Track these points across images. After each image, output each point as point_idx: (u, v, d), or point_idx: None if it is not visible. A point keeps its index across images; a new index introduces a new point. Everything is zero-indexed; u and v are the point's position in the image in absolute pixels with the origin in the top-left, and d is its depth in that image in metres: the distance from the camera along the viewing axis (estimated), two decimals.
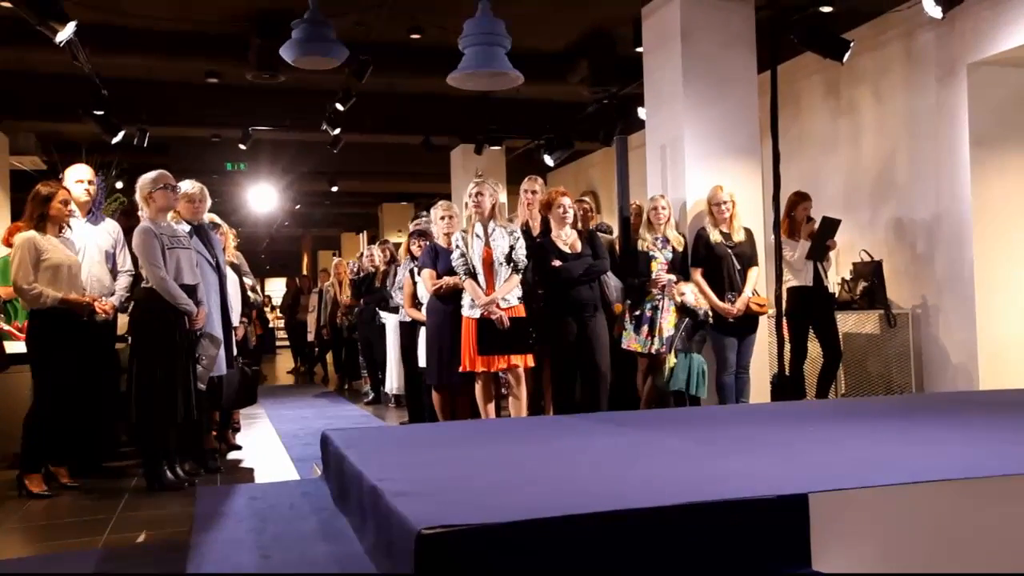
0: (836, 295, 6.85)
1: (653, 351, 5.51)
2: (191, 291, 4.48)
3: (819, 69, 7.25)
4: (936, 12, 5.30)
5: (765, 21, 6.24)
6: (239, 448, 5.83)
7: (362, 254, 9.90)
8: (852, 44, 6.15)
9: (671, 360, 5.41)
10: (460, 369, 5.25)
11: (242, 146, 9.98)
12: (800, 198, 6.41)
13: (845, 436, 3.29)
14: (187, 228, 4.83)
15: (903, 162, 6.97)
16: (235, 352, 5.23)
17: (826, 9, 5.76)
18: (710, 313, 5.51)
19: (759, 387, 5.96)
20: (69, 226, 4.61)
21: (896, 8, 6.54)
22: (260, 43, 7.19)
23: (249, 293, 6.01)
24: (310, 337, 12.23)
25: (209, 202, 5.08)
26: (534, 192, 5.74)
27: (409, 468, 2.86)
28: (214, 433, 5.47)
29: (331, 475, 3.35)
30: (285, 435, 6.50)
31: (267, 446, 6.07)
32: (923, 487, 2.34)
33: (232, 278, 5.34)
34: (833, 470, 2.54)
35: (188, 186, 4.91)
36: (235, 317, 5.23)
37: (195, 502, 3.19)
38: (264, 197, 13.66)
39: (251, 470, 5.20)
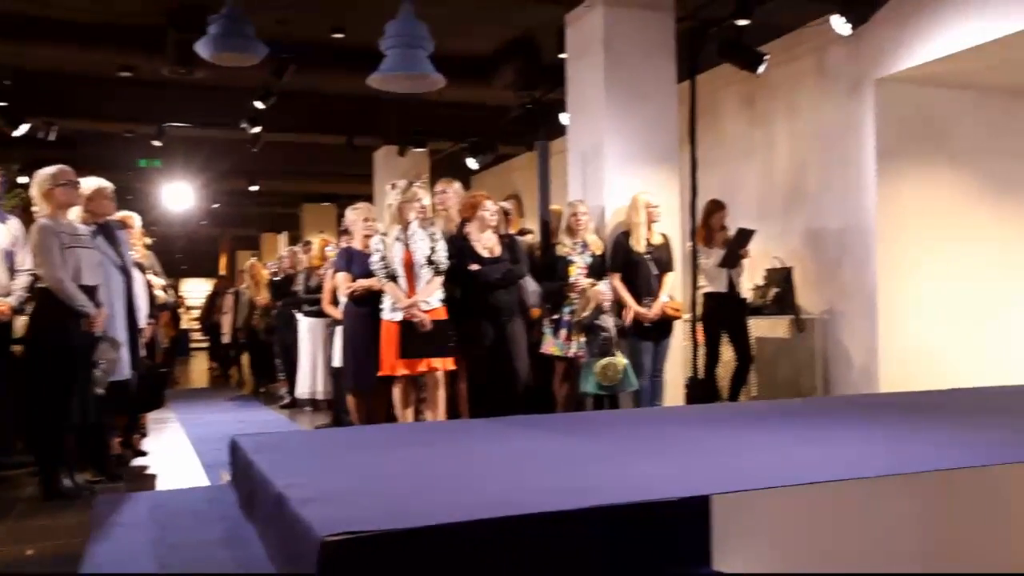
0: (749, 301, 7.03)
1: (571, 355, 5.56)
2: (91, 292, 4.31)
3: (736, 80, 7.44)
4: (844, 29, 5.51)
5: (685, 32, 6.39)
6: (145, 454, 5.63)
7: (282, 256, 9.72)
8: (767, 57, 6.36)
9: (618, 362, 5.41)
10: (380, 373, 5.20)
11: (156, 142, 9.69)
12: (716, 207, 6.57)
13: (750, 438, 3.37)
14: (91, 226, 4.64)
15: (814, 173, 7.21)
16: (142, 354, 5.05)
17: (742, 22, 5.92)
18: (614, 322, 5.54)
19: (674, 390, 6.08)
20: None
21: (809, 24, 6.75)
22: (177, 37, 6.98)
23: (159, 293, 5.82)
24: (225, 339, 11.93)
25: (114, 200, 4.89)
26: (444, 192, 5.71)
27: (318, 474, 2.82)
28: (119, 439, 5.27)
29: (239, 481, 3.26)
30: (196, 440, 6.32)
31: (176, 452, 5.88)
32: (821, 487, 2.42)
33: (139, 278, 5.16)
34: (736, 472, 2.60)
35: (92, 183, 4.72)
36: (142, 319, 5.05)
37: (92, 511, 3.07)
38: (180, 195, 13.27)
39: (157, 477, 5.03)
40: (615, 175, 6.08)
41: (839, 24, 5.48)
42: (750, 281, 7.18)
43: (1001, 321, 6.94)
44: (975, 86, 6.77)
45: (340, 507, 2.19)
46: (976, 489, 2.60)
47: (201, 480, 4.78)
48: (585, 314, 5.45)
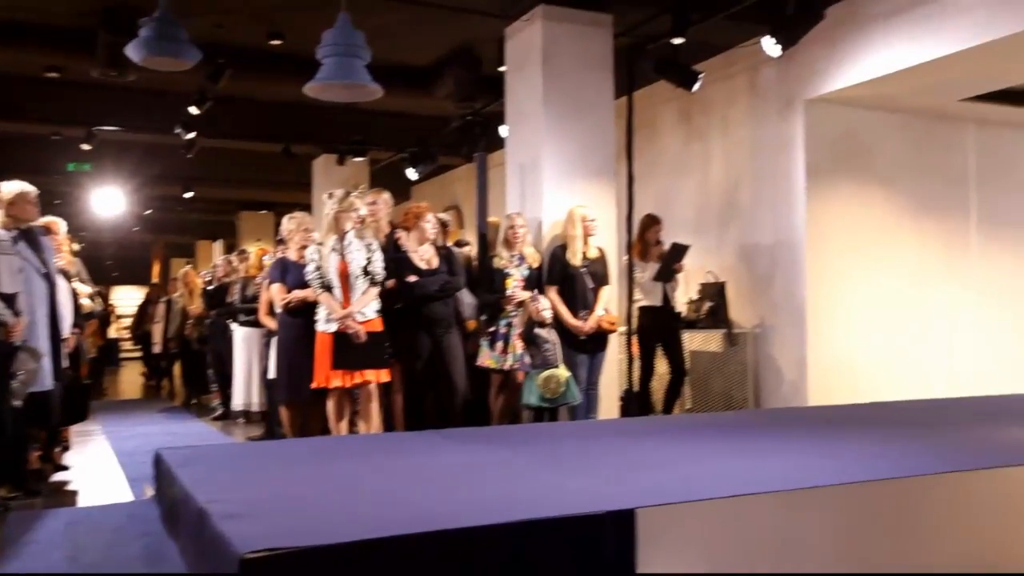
0: (683, 314, 7.14)
1: (507, 367, 5.56)
2: (10, 300, 4.15)
3: (673, 96, 7.57)
4: (775, 51, 5.65)
5: (623, 48, 6.48)
6: (66, 469, 5.44)
7: (216, 264, 9.54)
8: (701, 75, 6.49)
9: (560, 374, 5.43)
10: (313, 385, 5.13)
11: (86, 146, 9.41)
12: (652, 221, 6.66)
13: (680, 451, 3.42)
14: (13, 232, 4.48)
15: (747, 189, 7.38)
16: (64, 365, 4.89)
17: (678, 41, 6.02)
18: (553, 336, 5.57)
19: (609, 403, 6.13)
20: None
21: (742, 44, 6.92)
22: (107, 39, 6.80)
23: (85, 301, 5.65)
24: (156, 349, 11.63)
25: (37, 204, 4.72)
26: (374, 204, 5.66)
27: (243, 488, 2.76)
28: (38, 453, 5.08)
29: (162, 496, 3.18)
30: (122, 453, 6.14)
31: (100, 466, 5.70)
32: (744, 499, 2.47)
33: (64, 286, 5.00)
34: (663, 485, 2.64)
35: (14, 187, 4.56)
36: (65, 328, 4.89)
37: (4, 529, 2.95)
38: (110, 200, 12.88)
39: (77, 493, 4.86)
40: (553, 188, 6.12)
41: (769, 46, 5.62)
42: (685, 295, 7.30)
43: (922, 334, 7.20)
44: (899, 108, 7.03)
45: (263, 523, 2.15)
46: (892, 500, 2.68)
47: (124, 495, 4.64)
48: (521, 328, 5.47)
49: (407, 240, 5.47)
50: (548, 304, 5.54)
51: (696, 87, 6.44)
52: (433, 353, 5.34)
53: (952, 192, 7.45)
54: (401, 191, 12.47)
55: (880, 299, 7.02)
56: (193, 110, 7.84)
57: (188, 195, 13.13)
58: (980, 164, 7.55)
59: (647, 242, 6.59)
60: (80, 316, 5.45)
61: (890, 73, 6.07)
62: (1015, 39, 5.36)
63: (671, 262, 6.45)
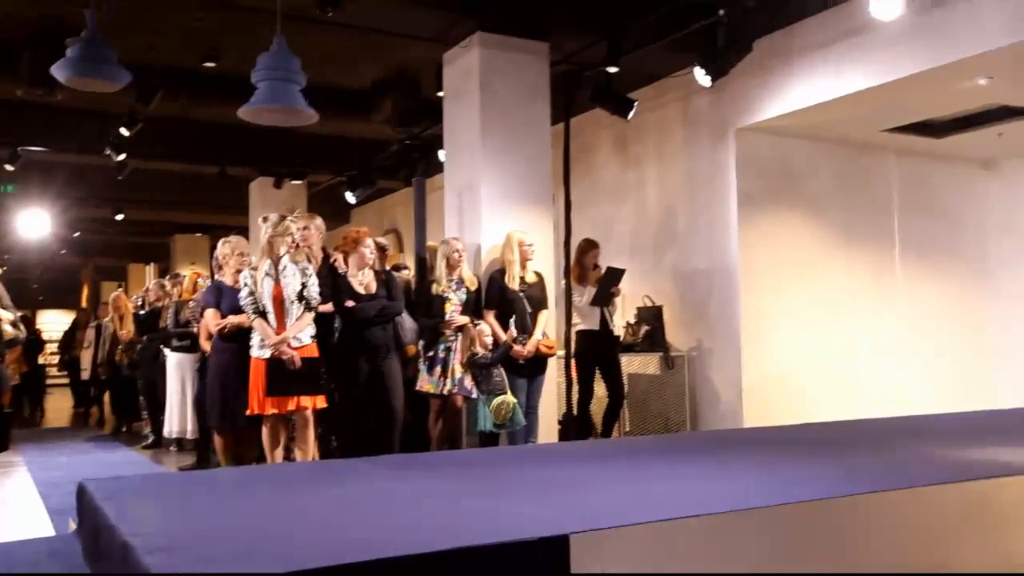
0: (621, 338, 7.23)
1: (445, 392, 5.55)
2: None
3: (610, 124, 7.71)
4: (705, 81, 5.81)
5: (559, 76, 6.57)
6: None
7: (148, 288, 9.31)
8: (636, 103, 6.62)
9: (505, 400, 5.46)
10: (248, 412, 5.03)
11: (9, 166, 9.12)
12: (589, 245, 6.74)
13: (616, 475, 3.45)
14: None
15: (682, 215, 7.53)
16: None
17: (612, 69, 6.14)
18: (509, 344, 5.62)
19: (548, 426, 6.15)
20: None
21: (676, 73, 7.10)
22: (34, 57, 6.63)
23: (7, 328, 5.45)
24: (85, 375, 11.28)
25: None
26: (306, 228, 5.62)
27: (171, 520, 2.69)
28: None
29: (85, 530, 3.07)
30: (44, 485, 5.91)
31: (20, 498, 5.48)
32: (678, 523, 2.50)
33: None
34: (597, 510, 2.65)
35: None
36: None
37: None
38: (36, 222, 12.50)
39: None
40: (490, 213, 6.16)
41: (700, 76, 5.78)
42: (622, 319, 7.39)
43: (851, 357, 7.42)
44: (826, 138, 7.28)
45: (189, 556, 2.10)
46: (823, 520, 2.74)
47: (45, 529, 4.46)
48: (478, 351, 5.50)
49: (344, 265, 5.43)
50: (490, 331, 5.58)
51: (631, 115, 6.57)
52: (371, 378, 5.30)
53: (877, 220, 7.73)
54: (340, 214, 12.40)
55: (811, 323, 7.22)
56: (124, 131, 7.67)
57: (119, 217, 12.83)
58: (902, 193, 7.86)
59: (585, 266, 6.67)
60: (2, 343, 5.27)
61: (816, 104, 6.30)
62: (930, 74, 5.62)
63: (607, 286, 6.53)
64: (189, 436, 7.24)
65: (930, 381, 7.75)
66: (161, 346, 7.55)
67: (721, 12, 5.55)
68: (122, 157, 8.49)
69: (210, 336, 5.88)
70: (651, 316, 7.33)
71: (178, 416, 7.19)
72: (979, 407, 6.56)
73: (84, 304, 19.59)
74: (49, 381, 16.50)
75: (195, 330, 6.70)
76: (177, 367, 7.16)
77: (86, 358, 11.14)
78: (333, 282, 5.33)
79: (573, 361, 6.39)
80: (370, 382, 5.32)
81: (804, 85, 6.35)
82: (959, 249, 8.26)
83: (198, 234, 16.28)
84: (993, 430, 4.66)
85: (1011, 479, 3.13)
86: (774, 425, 5.83)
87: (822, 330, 7.27)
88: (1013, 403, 7.45)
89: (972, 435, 4.50)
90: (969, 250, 8.33)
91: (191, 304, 7.00)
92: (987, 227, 8.37)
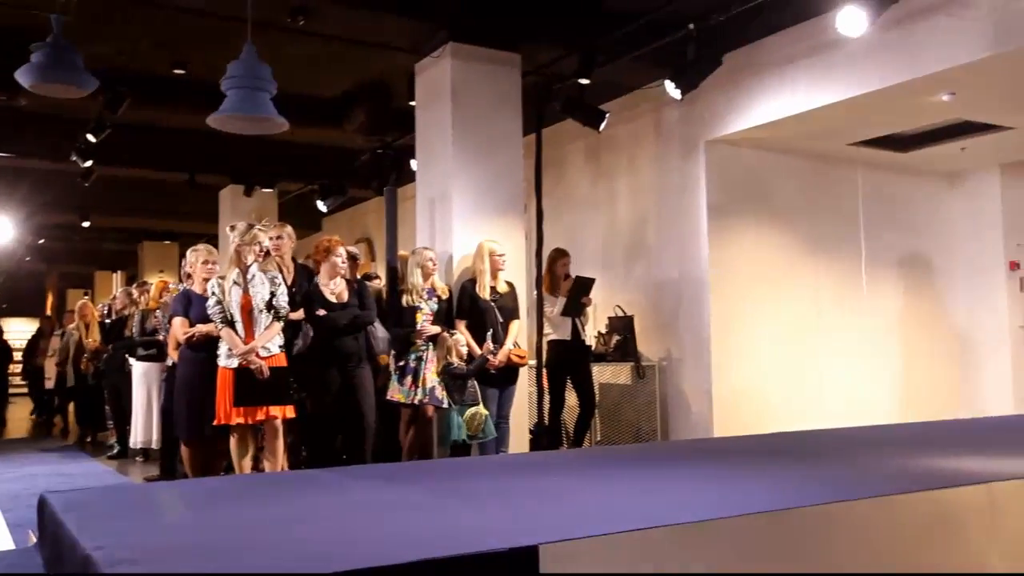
0: (592, 348, 7.25)
1: (416, 402, 5.53)
2: None
3: (582, 135, 7.75)
4: (676, 94, 5.86)
5: (531, 87, 6.60)
6: None
7: (114, 296, 9.20)
8: (608, 115, 6.66)
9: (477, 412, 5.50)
10: (215, 422, 4.98)
11: None
12: (559, 254, 6.76)
13: (587, 485, 3.45)
14: None
15: (653, 226, 7.58)
16: None
17: (584, 81, 6.18)
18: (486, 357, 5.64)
19: (519, 436, 6.15)
20: None
21: (647, 85, 7.16)
22: None
23: None
24: (49, 384, 11.09)
25: None
26: (280, 239, 5.59)
27: (135, 533, 2.64)
28: None
29: (46, 543, 3.01)
30: (4, 497, 5.79)
31: None
32: (648, 533, 2.50)
33: None
34: (567, 520, 2.65)
35: None
36: None
37: None
38: None
39: None
40: (462, 223, 6.16)
41: (671, 89, 5.83)
42: (594, 329, 7.42)
43: (819, 367, 7.50)
44: (795, 151, 7.38)
45: (152, 569, 2.07)
46: (793, 530, 2.77)
47: (5, 543, 4.37)
48: (457, 362, 5.51)
49: (321, 274, 5.42)
50: (464, 340, 5.60)
51: (603, 126, 6.61)
52: (343, 388, 5.27)
53: (844, 232, 7.84)
54: (311, 223, 12.33)
55: (780, 333, 7.29)
56: (91, 137, 7.57)
57: (85, 224, 12.65)
58: (868, 206, 7.98)
59: (556, 276, 6.68)
60: None
61: (785, 117, 6.39)
62: (895, 89, 5.74)
63: (577, 296, 6.55)
64: (155, 446, 7.14)
65: (896, 390, 7.87)
66: (126, 355, 7.45)
67: (691, 26, 5.61)
68: (89, 163, 8.38)
69: (178, 345, 5.83)
70: (622, 326, 7.36)
71: (143, 426, 7.10)
72: (943, 416, 6.67)
73: (48, 312, 19.30)
74: (10, 390, 16.22)
75: (161, 338, 6.63)
76: (143, 376, 7.07)
77: (50, 367, 10.97)
78: (306, 292, 5.31)
79: (544, 371, 6.40)
80: (341, 392, 5.29)
81: (773, 99, 6.44)
82: (923, 261, 8.40)
83: (167, 241, 16.10)
84: (955, 439, 4.73)
85: (973, 487, 3.18)
86: (744, 435, 5.87)
87: (790, 340, 7.35)
88: (976, 412, 7.58)
89: (935, 444, 4.57)
90: (934, 262, 8.48)
91: (157, 312, 6.92)
92: (950, 239, 8.53)
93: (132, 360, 7.27)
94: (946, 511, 3.08)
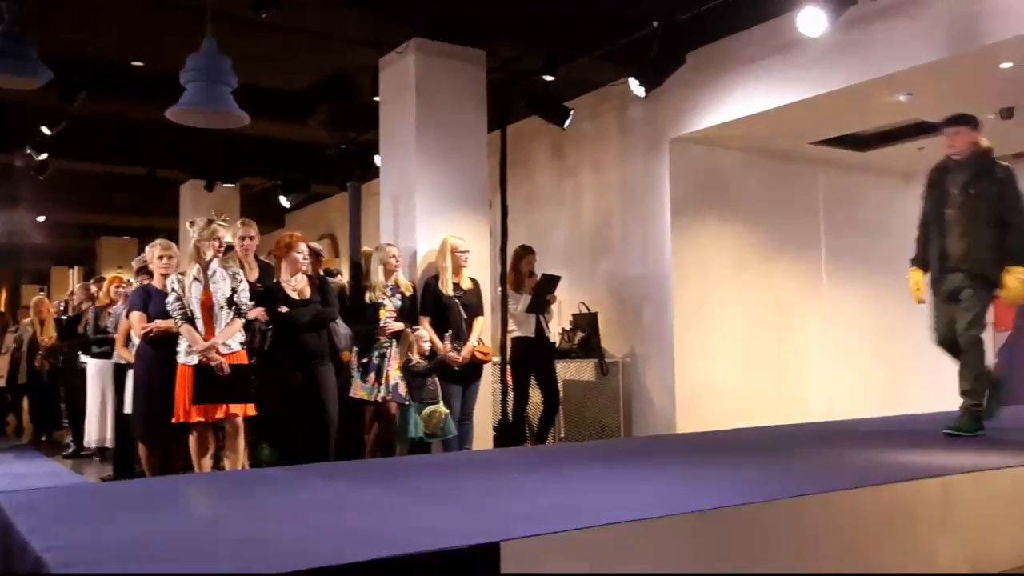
0: (556, 344, 7.26)
1: (379, 399, 5.49)
2: None
3: (547, 132, 7.75)
4: (640, 91, 5.89)
5: (496, 83, 6.58)
6: None
7: (72, 292, 9.01)
8: (572, 112, 6.67)
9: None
10: (174, 420, 4.89)
11: None
12: (524, 251, 6.75)
13: (550, 482, 3.46)
14: None
15: (617, 223, 7.61)
16: None
17: (549, 78, 6.18)
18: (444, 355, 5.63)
19: (483, 433, 6.14)
20: None
21: (612, 83, 7.18)
22: None
23: None
24: (1, 382, 10.83)
25: None
26: (251, 238, 5.54)
27: (89, 534, 2.59)
28: None
29: None
30: None
31: None
32: (611, 528, 2.51)
33: None
34: (530, 517, 2.65)
35: None
36: None
37: None
38: None
39: None
40: (426, 219, 6.14)
41: (635, 87, 5.86)
42: (558, 326, 7.43)
43: (780, 363, 7.59)
44: (757, 149, 7.45)
45: (104, 570, 2.02)
46: (754, 524, 2.79)
47: None
48: (417, 359, 5.49)
49: (283, 271, 5.35)
50: (428, 337, 5.58)
51: (568, 123, 6.61)
52: (306, 386, 5.21)
53: (805, 230, 7.94)
54: (274, 218, 12.17)
55: (742, 330, 7.36)
56: (45, 130, 7.40)
57: (40, 219, 12.38)
58: (828, 204, 8.08)
59: (520, 273, 6.67)
60: None
61: (747, 115, 6.45)
62: (854, 89, 5.82)
63: (543, 293, 6.55)
64: (109, 445, 7.01)
65: (855, 386, 7.98)
66: (80, 352, 7.31)
67: (655, 24, 5.63)
68: (44, 157, 8.20)
69: (127, 342, 5.73)
70: (586, 323, 7.38)
71: (98, 425, 6.97)
72: (901, 411, 6.78)
73: (2, 308, 18.85)
74: None
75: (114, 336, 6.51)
76: (97, 374, 6.94)
77: (3, 364, 10.71)
78: (266, 287, 5.25)
79: (509, 368, 6.40)
80: (304, 389, 5.23)
81: (736, 97, 6.49)
82: (882, 258, 8.52)
83: (126, 237, 15.81)
84: (913, 434, 4.82)
85: (930, 481, 3.24)
86: (706, 431, 5.92)
87: (752, 336, 7.43)
88: (933, 407, 7.72)
89: (892, 439, 4.65)
90: (892, 259, 8.57)
91: (110, 309, 6.79)
92: (908, 237, 8.64)
93: (85, 357, 7.13)
94: (903, 505, 3.13)
